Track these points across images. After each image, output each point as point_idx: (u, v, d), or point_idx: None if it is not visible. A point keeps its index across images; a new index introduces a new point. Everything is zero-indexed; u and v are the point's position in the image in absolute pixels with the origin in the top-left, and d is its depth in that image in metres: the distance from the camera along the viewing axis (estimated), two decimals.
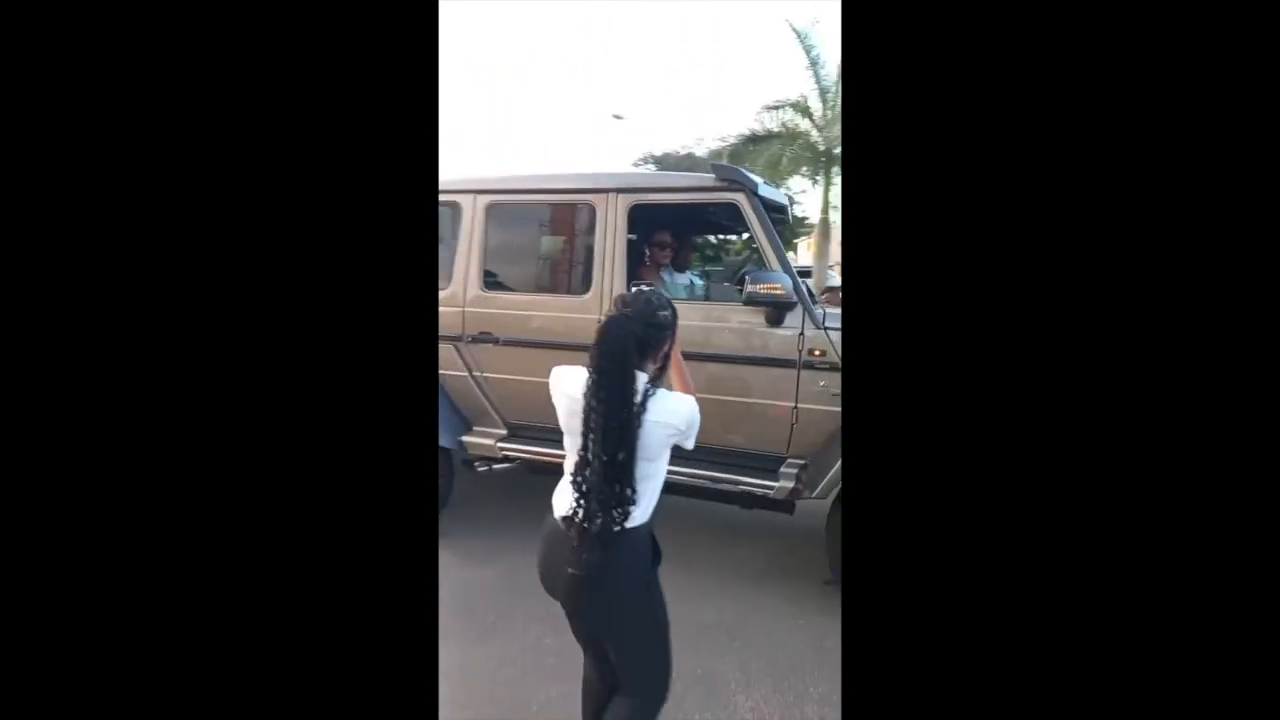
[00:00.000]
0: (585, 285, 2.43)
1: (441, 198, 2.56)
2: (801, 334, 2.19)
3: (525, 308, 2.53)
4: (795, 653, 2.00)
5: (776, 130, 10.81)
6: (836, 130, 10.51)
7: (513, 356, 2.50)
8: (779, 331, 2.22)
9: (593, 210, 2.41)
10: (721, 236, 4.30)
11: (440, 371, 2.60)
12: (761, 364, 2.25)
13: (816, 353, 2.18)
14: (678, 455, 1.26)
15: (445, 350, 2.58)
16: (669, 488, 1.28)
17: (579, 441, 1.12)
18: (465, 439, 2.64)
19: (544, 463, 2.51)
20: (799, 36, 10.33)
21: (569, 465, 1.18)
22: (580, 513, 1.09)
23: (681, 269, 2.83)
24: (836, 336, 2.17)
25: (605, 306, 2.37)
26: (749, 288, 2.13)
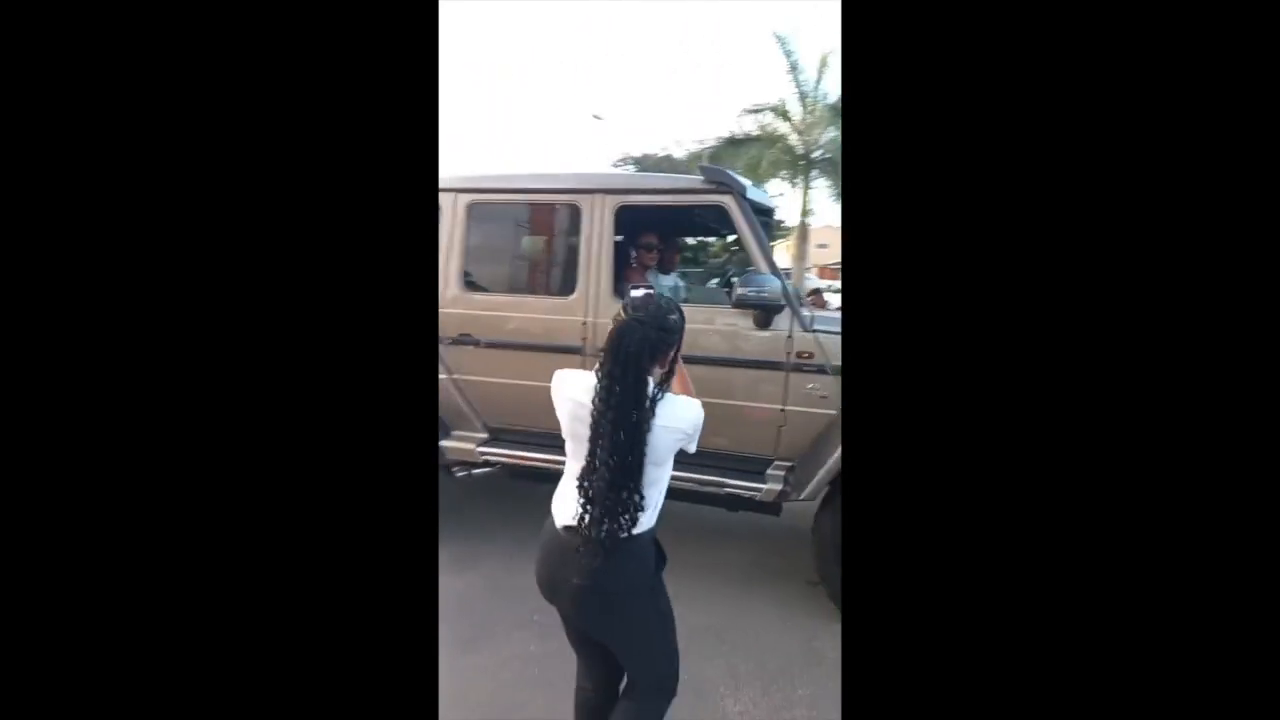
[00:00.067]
0: (570, 287, 2.42)
1: None
2: (789, 336, 2.22)
3: (507, 309, 2.52)
4: (783, 655, 2.03)
5: (755, 133, 10.95)
6: (815, 134, 10.70)
7: (494, 359, 2.48)
8: (767, 334, 2.24)
9: (578, 211, 2.40)
10: (699, 239, 4.33)
11: None
12: (749, 366, 2.27)
13: (804, 355, 2.21)
14: None
15: None
16: None
17: (585, 447, 1.11)
18: (444, 444, 2.61)
19: (525, 467, 2.49)
20: (779, 41, 10.48)
21: (571, 471, 1.18)
22: (587, 519, 1.09)
23: (667, 271, 2.84)
24: (824, 339, 2.20)
25: (590, 308, 2.37)
26: (739, 290, 2.15)
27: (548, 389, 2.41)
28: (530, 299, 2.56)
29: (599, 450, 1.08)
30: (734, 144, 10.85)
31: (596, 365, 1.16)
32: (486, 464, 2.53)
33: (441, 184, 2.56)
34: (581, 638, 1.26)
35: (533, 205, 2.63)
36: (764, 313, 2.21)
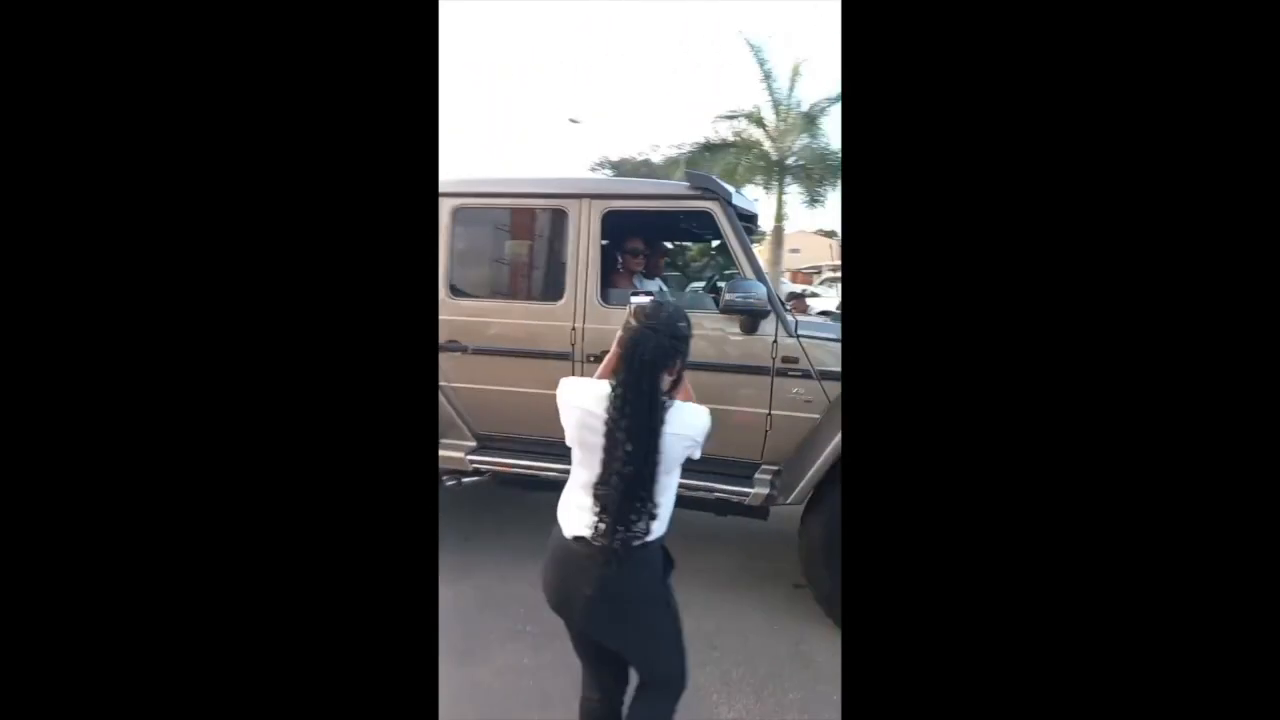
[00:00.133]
0: (558, 292, 2.40)
1: None
2: (775, 342, 2.24)
3: (494, 315, 2.49)
4: (773, 659, 2.04)
5: (731, 139, 11.06)
6: (788, 141, 10.86)
7: (482, 365, 2.45)
8: (753, 339, 2.26)
9: (565, 216, 2.39)
10: (678, 243, 4.34)
11: None
12: (735, 371, 2.29)
13: (789, 360, 2.23)
14: None
15: None
16: None
17: (595, 456, 1.11)
18: None
19: (514, 475, 2.46)
20: (753, 49, 10.62)
21: (578, 480, 1.18)
22: (602, 529, 1.09)
23: (652, 276, 2.84)
24: (809, 344, 2.23)
25: (578, 314, 2.36)
26: (726, 296, 2.16)
27: (537, 395, 2.42)
28: (518, 305, 2.54)
29: (612, 459, 1.08)
30: (710, 149, 10.94)
31: (605, 374, 1.15)
32: (476, 472, 2.49)
33: None
34: (590, 647, 1.26)
35: (519, 210, 2.61)
36: (750, 318, 2.22)
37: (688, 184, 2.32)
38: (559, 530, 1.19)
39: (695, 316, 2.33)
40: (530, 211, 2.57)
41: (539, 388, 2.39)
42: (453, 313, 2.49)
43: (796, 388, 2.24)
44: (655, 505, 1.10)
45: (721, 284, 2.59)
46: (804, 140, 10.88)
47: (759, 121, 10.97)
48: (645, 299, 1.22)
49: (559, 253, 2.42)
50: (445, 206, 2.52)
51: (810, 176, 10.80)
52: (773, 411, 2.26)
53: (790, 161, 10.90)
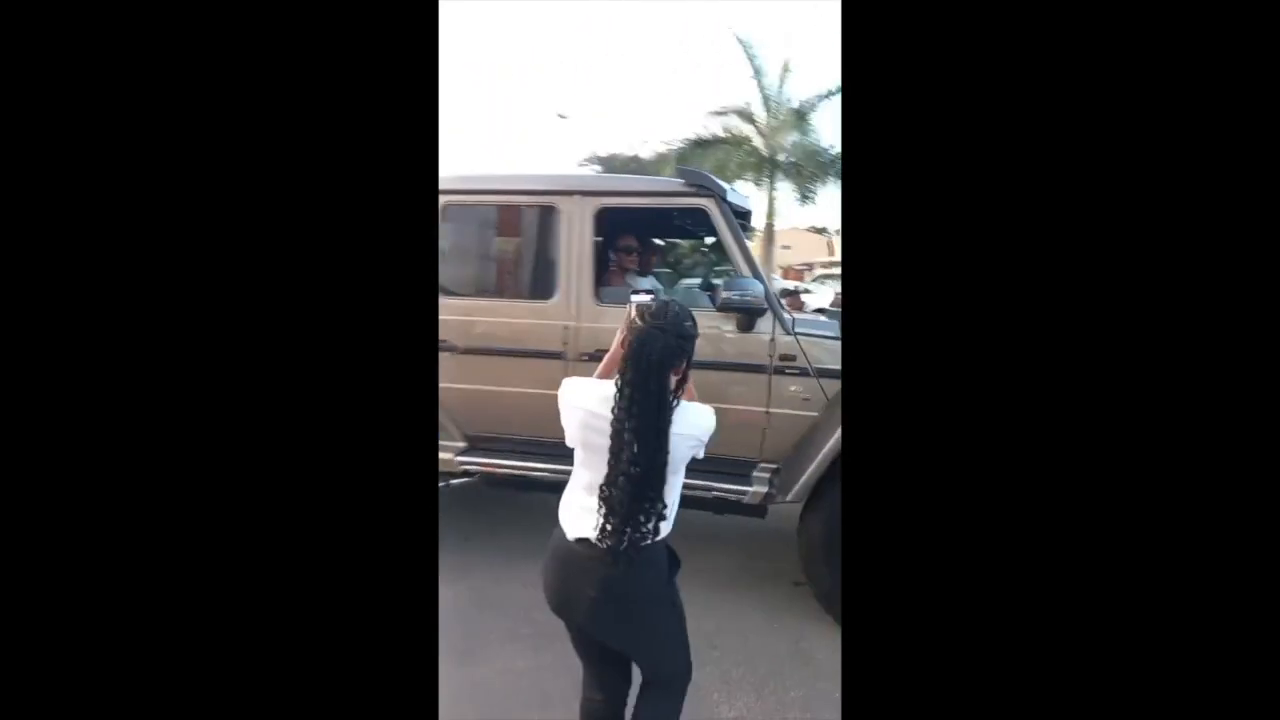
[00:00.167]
0: (550, 290, 2.39)
1: None
2: (772, 340, 2.24)
3: (485, 314, 2.47)
4: (773, 657, 2.04)
5: (722, 136, 11.06)
6: (779, 138, 10.88)
7: (472, 365, 2.43)
8: (750, 337, 2.26)
9: (557, 213, 2.38)
10: (668, 240, 4.33)
11: None
12: (732, 369, 2.29)
13: (786, 358, 2.23)
14: None
15: None
16: None
17: (599, 457, 1.11)
18: None
19: (505, 476, 2.45)
20: (743, 46, 10.62)
21: (580, 481, 1.17)
22: (609, 530, 1.08)
23: (645, 273, 2.83)
24: (806, 342, 2.23)
25: (571, 312, 2.34)
26: (724, 294, 2.16)
27: (529, 395, 2.40)
28: (509, 303, 2.52)
29: (620, 460, 1.07)
30: (701, 146, 10.94)
31: (611, 374, 1.15)
32: (466, 474, 2.47)
33: None
34: (593, 648, 1.25)
35: (511, 207, 2.58)
36: (747, 316, 2.22)
37: (682, 181, 2.31)
38: (560, 532, 1.18)
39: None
40: (522, 209, 2.55)
41: (531, 387, 2.38)
42: (443, 312, 2.47)
43: (794, 385, 2.24)
44: (664, 506, 1.10)
45: (717, 281, 2.59)
46: (795, 137, 10.91)
47: (750, 118, 10.99)
48: (646, 297, 1.21)
49: (551, 251, 2.41)
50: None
51: (801, 173, 10.83)
52: (770, 409, 2.26)
53: (781, 158, 10.92)
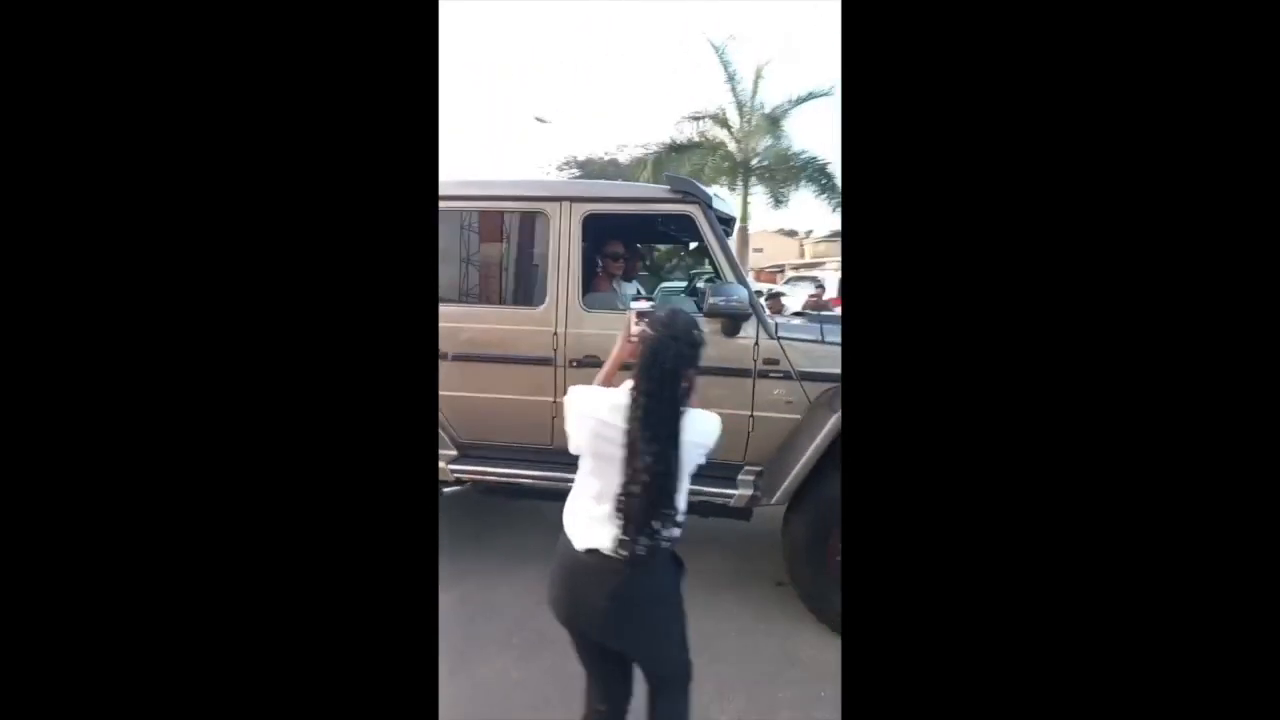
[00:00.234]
0: (539, 297, 2.35)
1: None
2: (756, 344, 2.24)
3: (475, 320, 2.42)
4: (760, 659, 2.05)
5: (696, 140, 11.10)
6: (753, 142, 10.97)
7: (463, 372, 2.38)
8: (734, 342, 2.26)
9: (546, 219, 2.34)
10: (646, 245, 4.33)
11: None
12: (718, 374, 2.28)
13: (770, 361, 2.24)
14: None
15: None
16: None
17: (610, 466, 1.10)
18: None
19: (496, 484, 2.40)
20: (717, 51, 10.68)
21: (588, 490, 1.16)
22: (627, 539, 1.07)
23: (629, 279, 2.82)
24: (789, 345, 2.24)
25: (560, 319, 2.31)
26: (710, 299, 2.15)
27: (519, 402, 2.36)
28: (499, 310, 2.47)
29: (635, 469, 1.06)
30: (677, 150, 10.96)
31: (613, 381, 1.14)
32: (458, 481, 2.42)
33: None
34: (600, 658, 1.24)
35: (499, 213, 2.54)
36: (732, 321, 2.22)
37: (668, 187, 2.30)
38: (568, 542, 1.17)
39: None
40: (510, 215, 2.51)
41: (521, 394, 2.35)
42: None
43: (777, 389, 2.24)
44: (678, 513, 1.10)
45: (701, 286, 2.59)
46: (767, 142, 11.01)
47: (724, 123, 11.05)
48: (645, 304, 1.22)
49: (540, 257, 2.38)
50: None
51: (774, 178, 10.93)
52: (755, 413, 2.27)
53: (755, 163, 11.01)
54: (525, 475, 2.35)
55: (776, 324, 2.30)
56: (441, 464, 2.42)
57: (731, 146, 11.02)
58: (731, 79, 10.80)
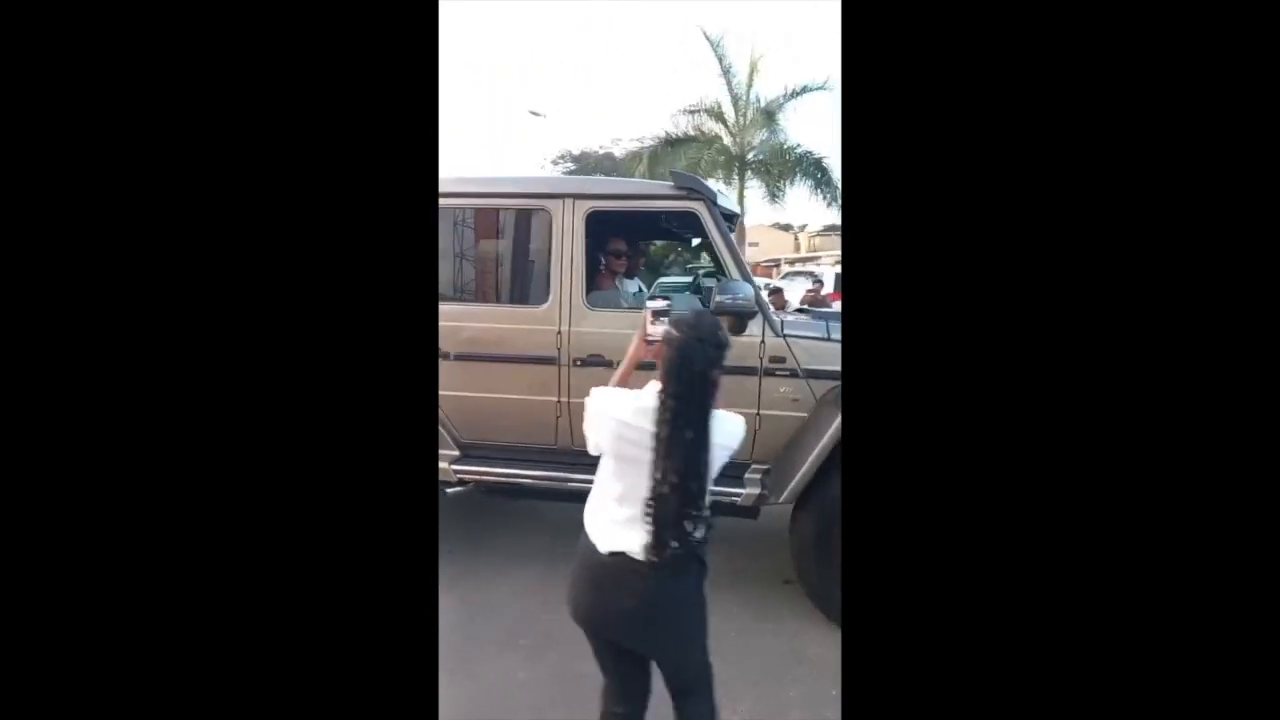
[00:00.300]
0: (542, 295, 2.30)
1: None
2: (762, 342, 2.20)
3: (478, 319, 2.37)
4: (769, 657, 2.02)
5: (692, 134, 10.99)
6: (748, 136, 10.86)
7: (466, 371, 2.33)
8: (740, 340, 2.21)
9: (549, 216, 2.28)
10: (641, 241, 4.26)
11: None
12: (724, 372, 2.23)
13: (776, 360, 2.20)
14: None
15: None
16: None
17: (634, 469, 1.08)
18: None
19: (499, 484, 2.36)
20: (712, 45, 10.54)
21: (611, 493, 1.14)
22: (657, 542, 1.05)
23: (631, 276, 2.76)
24: (795, 343, 2.20)
25: (564, 317, 2.26)
26: (718, 298, 2.10)
27: (523, 401, 2.31)
28: (502, 309, 2.42)
29: (667, 472, 1.04)
30: (672, 144, 10.84)
31: (628, 382, 1.13)
32: (461, 482, 2.37)
33: None
34: (620, 661, 1.22)
35: (502, 211, 2.48)
36: (738, 319, 2.17)
37: (672, 184, 2.25)
38: (590, 544, 1.15)
39: None
40: (512, 212, 2.45)
41: (525, 393, 2.30)
42: None
43: (784, 387, 2.20)
44: (708, 515, 1.09)
45: (706, 283, 2.54)
46: (763, 135, 10.91)
47: (719, 117, 10.93)
48: (661, 303, 1.20)
49: (543, 255, 2.32)
50: None
51: (769, 172, 10.83)
52: (761, 411, 2.23)
53: (750, 157, 10.91)
54: (528, 475, 2.31)
55: (782, 322, 2.26)
56: (445, 464, 2.38)
57: (727, 140, 10.92)
58: (727, 73, 10.69)
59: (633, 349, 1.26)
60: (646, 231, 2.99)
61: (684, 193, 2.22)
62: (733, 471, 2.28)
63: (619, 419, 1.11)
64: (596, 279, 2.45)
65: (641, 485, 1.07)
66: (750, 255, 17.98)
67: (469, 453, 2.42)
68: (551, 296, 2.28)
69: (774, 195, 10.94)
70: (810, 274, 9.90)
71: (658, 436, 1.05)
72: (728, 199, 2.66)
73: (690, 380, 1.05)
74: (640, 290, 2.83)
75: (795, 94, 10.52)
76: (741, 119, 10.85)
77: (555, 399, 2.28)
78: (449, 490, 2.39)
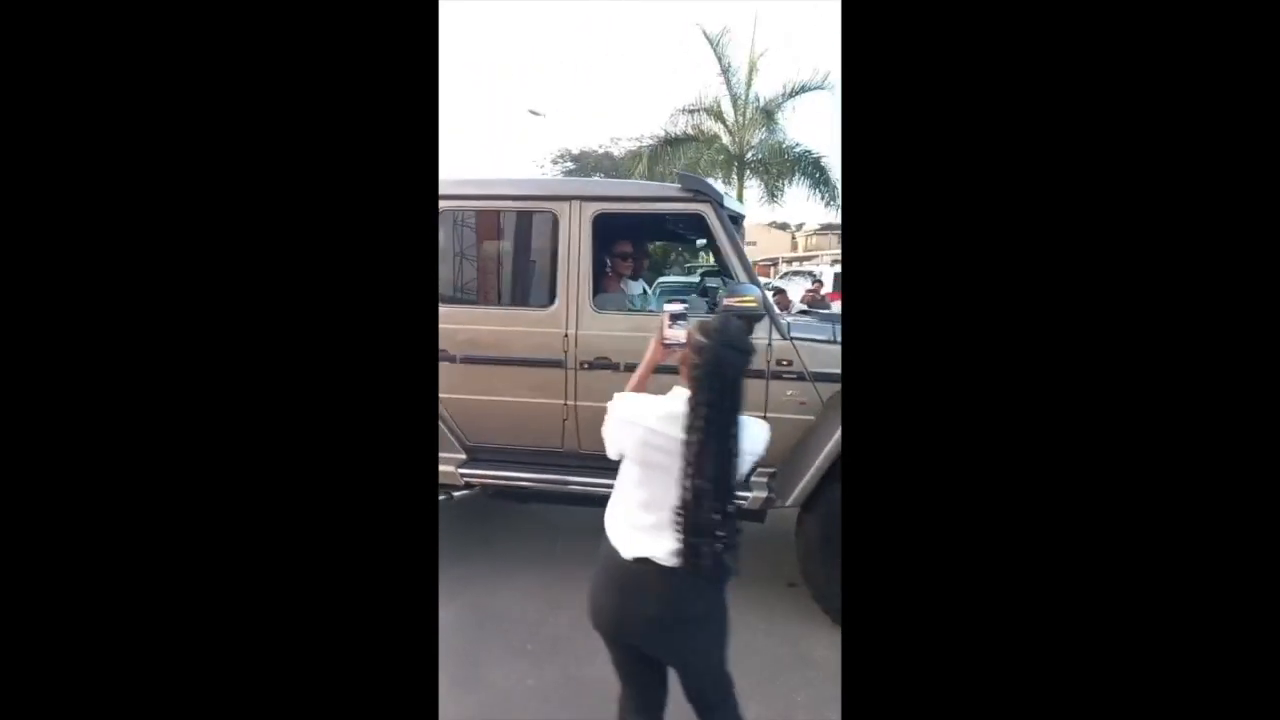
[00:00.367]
0: (549, 298, 2.24)
1: None
2: (769, 345, 2.14)
3: (483, 322, 2.31)
4: (776, 660, 1.97)
5: (691, 133, 10.88)
6: (747, 135, 10.76)
7: (472, 375, 2.27)
8: None
9: (555, 219, 2.22)
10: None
11: None
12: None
13: (783, 363, 2.14)
14: None
15: None
16: None
17: (661, 475, 1.05)
18: None
19: (505, 488, 2.31)
20: (711, 44, 10.42)
21: (634, 500, 1.11)
22: (688, 550, 1.03)
23: (636, 278, 2.70)
24: (802, 346, 2.15)
25: (570, 320, 2.21)
26: (726, 301, 2.05)
27: (529, 405, 2.25)
28: (508, 311, 2.36)
29: (699, 479, 1.02)
30: (671, 144, 10.73)
31: (645, 387, 1.11)
32: (468, 486, 2.32)
33: None
34: (640, 668, 1.18)
35: (508, 213, 2.42)
36: (746, 322, 2.12)
37: (679, 186, 2.19)
38: (612, 550, 1.11)
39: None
40: (519, 214, 2.39)
41: (531, 396, 2.25)
42: (440, 320, 2.30)
43: (790, 389, 2.15)
44: (737, 522, 1.06)
45: (712, 285, 2.48)
46: (761, 135, 10.80)
47: (719, 116, 10.82)
48: (678, 306, 1.18)
49: (550, 257, 2.26)
50: None
51: (768, 171, 10.73)
52: (768, 414, 2.17)
53: (749, 156, 10.81)
54: (535, 479, 2.26)
55: (789, 324, 2.20)
56: (451, 468, 2.32)
57: (726, 140, 10.81)
58: (726, 72, 10.56)
59: (650, 352, 1.23)
60: (652, 233, 2.93)
61: (691, 195, 2.16)
62: None
63: (644, 425, 1.08)
64: (603, 281, 2.39)
65: (667, 491, 1.04)
66: (748, 254, 17.87)
67: (476, 456, 2.37)
68: (558, 299, 2.22)
69: (773, 194, 10.84)
70: (809, 273, 9.83)
71: (688, 444, 1.02)
72: (734, 200, 2.60)
73: (723, 387, 1.03)
74: (645, 292, 2.78)
75: (795, 93, 10.41)
76: (741, 118, 10.74)
77: (562, 402, 2.23)
78: (455, 494, 2.34)
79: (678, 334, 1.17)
